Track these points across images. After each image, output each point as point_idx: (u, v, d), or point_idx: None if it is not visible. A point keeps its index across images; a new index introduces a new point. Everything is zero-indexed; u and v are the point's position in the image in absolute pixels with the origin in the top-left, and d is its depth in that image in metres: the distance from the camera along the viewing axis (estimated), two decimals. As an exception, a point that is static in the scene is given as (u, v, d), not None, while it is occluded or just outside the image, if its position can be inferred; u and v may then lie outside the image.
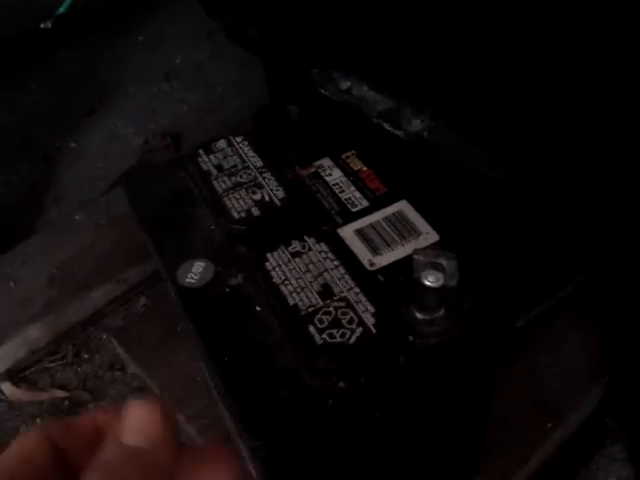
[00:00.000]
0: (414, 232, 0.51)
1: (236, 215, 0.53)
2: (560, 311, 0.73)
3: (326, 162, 0.57)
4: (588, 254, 0.65)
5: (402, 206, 0.53)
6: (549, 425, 0.68)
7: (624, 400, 0.72)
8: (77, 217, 0.96)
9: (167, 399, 0.73)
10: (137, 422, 0.25)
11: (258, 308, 0.47)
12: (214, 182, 0.56)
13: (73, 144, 1.18)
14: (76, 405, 0.82)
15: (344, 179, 0.55)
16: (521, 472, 0.65)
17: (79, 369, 0.86)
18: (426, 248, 0.48)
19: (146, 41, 1.36)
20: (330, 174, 0.56)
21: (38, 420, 0.81)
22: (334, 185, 0.55)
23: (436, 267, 0.44)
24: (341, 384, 0.42)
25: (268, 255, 0.49)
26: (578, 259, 0.65)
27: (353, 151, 0.57)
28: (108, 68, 1.30)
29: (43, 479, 0.25)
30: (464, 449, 0.58)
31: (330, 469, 0.48)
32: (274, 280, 0.48)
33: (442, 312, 0.45)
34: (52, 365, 0.87)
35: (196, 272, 0.50)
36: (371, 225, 0.51)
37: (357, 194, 0.54)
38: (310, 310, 0.46)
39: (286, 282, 0.47)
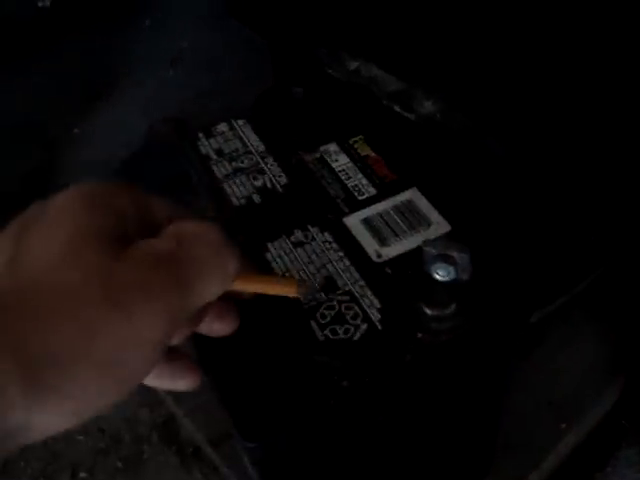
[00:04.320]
0: (424, 222, 0.48)
1: (236, 202, 0.50)
2: (576, 307, 0.70)
3: (332, 147, 0.54)
4: (605, 249, 0.63)
5: (412, 194, 0.50)
6: (563, 426, 0.66)
7: (638, 401, 0.69)
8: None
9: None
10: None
11: (257, 301, 0.44)
12: (214, 167, 0.53)
13: (76, 130, 1.15)
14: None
15: (351, 165, 0.52)
16: (534, 474, 0.63)
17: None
18: (437, 239, 0.45)
19: (153, 25, 1.33)
20: (336, 160, 0.53)
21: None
22: (340, 171, 0.52)
23: (447, 260, 0.41)
24: (344, 383, 0.40)
25: (269, 245, 0.47)
26: (595, 253, 0.63)
27: (361, 136, 0.54)
28: (114, 53, 1.28)
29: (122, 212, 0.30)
30: (474, 450, 0.56)
31: (331, 471, 0.46)
32: (275, 272, 0.45)
33: (453, 308, 0.42)
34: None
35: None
36: (379, 214, 0.49)
37: (364, 181, 0.51)
38: (312, 304, 0.43)
39: (287, 274, 0.45)
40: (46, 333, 0.25)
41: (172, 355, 0.35)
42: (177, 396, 0.69)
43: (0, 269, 0.27)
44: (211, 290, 0.31)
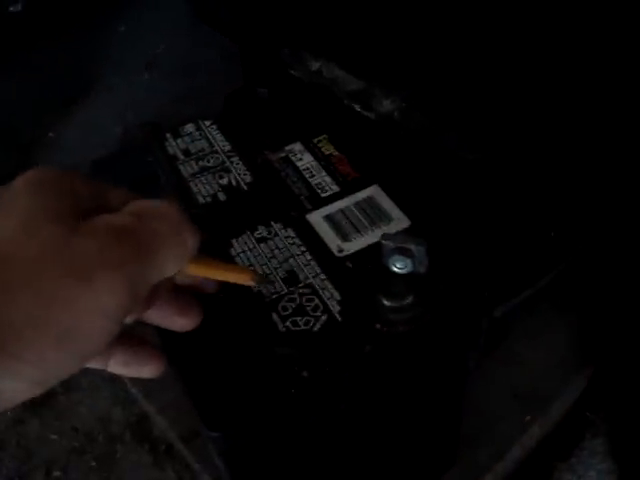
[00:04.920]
0: (385, 218, 0.49)
1: (201, 200, 0.51)
2: (541, 301, 0.71)
3: (297, 146, 0.55)
4: (569, 243, 0.64)
5: (373, 191, 0.51)
6: (528, 417, 0.67)
7: (606, 392, 0.71)
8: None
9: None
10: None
11: (220, 295, 0.45)
12: (180, 166, 0.54)
13: (51, 134, 1.16)
14: (48, 396, 0.80)
15: (315, 163, 0.54)
16: (499, 465, 0.64)
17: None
18: (395, 233, 0.47)
19: (128, 31, 1.34)
20: (301, 159, 0.54)
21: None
22: (304, 170, 0.53)
23: (404, 253, 0.43)
24: (304, 373, 0.41)
25: (233, 241, 0.48)
26: (558, 248, 0.64)
27: (325, 135, 0.56)
28: (89, 58, 1.29)
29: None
30: (438, 440, 0.57)
31: (294, 460, 0.47)
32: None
33: (410, 299, 0.43)
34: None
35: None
36: (341, 210, 0.50)
37: (328, 179, 0.52)
38: (274, 297, 0.44)
39: (250, 268, 0.46)
40: (5, 303, 0.26)
41: (135, 341, 0.36)
42: (149, 394, 0.70)
43: None
44: (170, 264, 0.32)
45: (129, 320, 0.35)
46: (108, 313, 0.29)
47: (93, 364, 0.35)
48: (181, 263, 0.33)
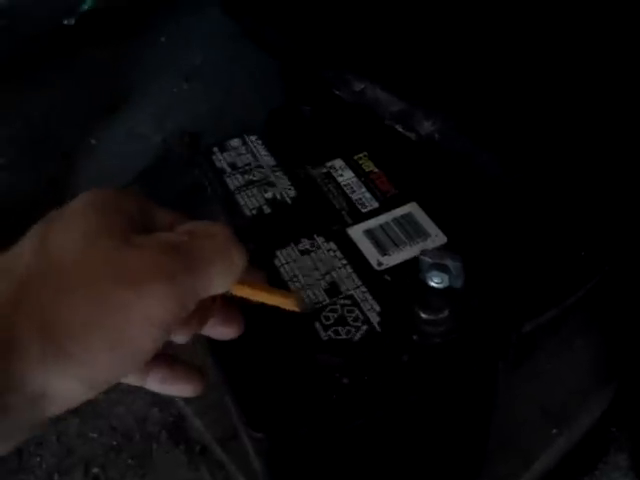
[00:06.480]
0: (422, 234, 0.51)
1: (247, 212, 0.54)
2: (568, 318, 0.73)
3: (338, 163, 0.58)
4: (598, 261, 0.66)
5: (411, 208, 0.53)
6: (554, 431, 0.68)
7: (630, 409, 0.72)
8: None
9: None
10: None
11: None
12: (227, 179, 0.57)
13: (93, 141, 1.19)
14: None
15: (355, 180, 0.56)
16: (524, 477, 0.65)
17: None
18: (433, 249, 0.49)
19: (168, 42, 1.38)
20: (342, 174, 0.57)
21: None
22: (345, 185, 0.56)
23: (441, 268, 0.45)
24: (344, 380, 0.43)
25: (277, 252, 0.50)
26: (587, 266, 0.66)
27: (365, 152, 0.58)
28: (130, 67, 1.32)
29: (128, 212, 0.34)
30: (465, 452, 0.59)
31: (331, 463, 0.49)
32: (282, 277, 0.49)
33: (446, 313, 0.45)
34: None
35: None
36: (380, 226, 0.52)
37: (367, 195, 0.55)
38: (317, 307, 0.46)
39: (294, 279, 0.48)
40: (63, 305, 0.29)
41: (172, 359, 0.39)
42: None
43: (28, 258, 0.31)
44: (218, 281, 0.34)
45: (183, 339, 0.37)
46: (156, 321, 0.31)
47: (132, 380, 0.37)
48: (229, 280, 0.35)
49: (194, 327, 0.38)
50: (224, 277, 0.35)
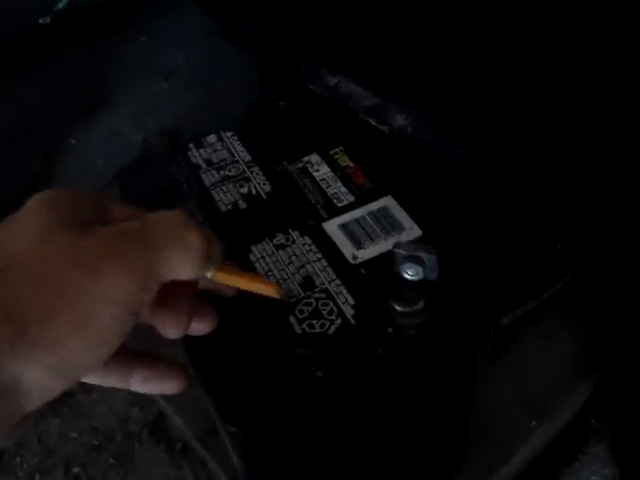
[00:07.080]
0: (398, 227, 0.51)
1: (223, 208, 0.54)
2: (547, 309, 0.73)
3: (314, 158, 0.58)
4: (574, 253, 0.66)
5: (387, 202, 0.53)
6: (534, 423, 0.69)
7: (610, 399, 0.73)
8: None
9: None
10: None
11: (241, 298, 0.48)
12: (202, 175, 0.57)
13: (73, 140, 1.19)
14: (68, 395, 0.83)
15: (331, 174, 0.56)
16: (504, 469, 0.66)
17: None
18: (407, 242, 0.49)
19: (148, 41, 1.37)
20: (317, 169, 0.57)
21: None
22: (321, 180, 0.56)
23: (416, 260, 0.45)
24: (319, 373, 0.43)
25: (253, 247, 0.50)
26: (564, 258, 0.66)
27: (341, 147, 0.58)
28: (110, 67, 1.31)
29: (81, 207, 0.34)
30: (444, 444, 0.59)
31: (308, 456, 0.49)
32: (257, 271, 0.49)
33: (421, 305, 0.45)
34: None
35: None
36: (356, 220, 0.52)
37: (343, 189, 0.55)
38: (291, 301, 0.46)
39: (269, 273, 0.48)
40: (26, 293, 0.30)
41: (153, 358, 0.39)
42: (166, 395, 0.72)
43: None
44: (177, 263, 0.34)
45: (176, 333, 0.38)
46: (116, 300, 0.31)
47: (115, 382, 0.38)
48: (189, 262, 0.35)
49: (183, 320, 0.38)
50: (181, 258, 0.35)
